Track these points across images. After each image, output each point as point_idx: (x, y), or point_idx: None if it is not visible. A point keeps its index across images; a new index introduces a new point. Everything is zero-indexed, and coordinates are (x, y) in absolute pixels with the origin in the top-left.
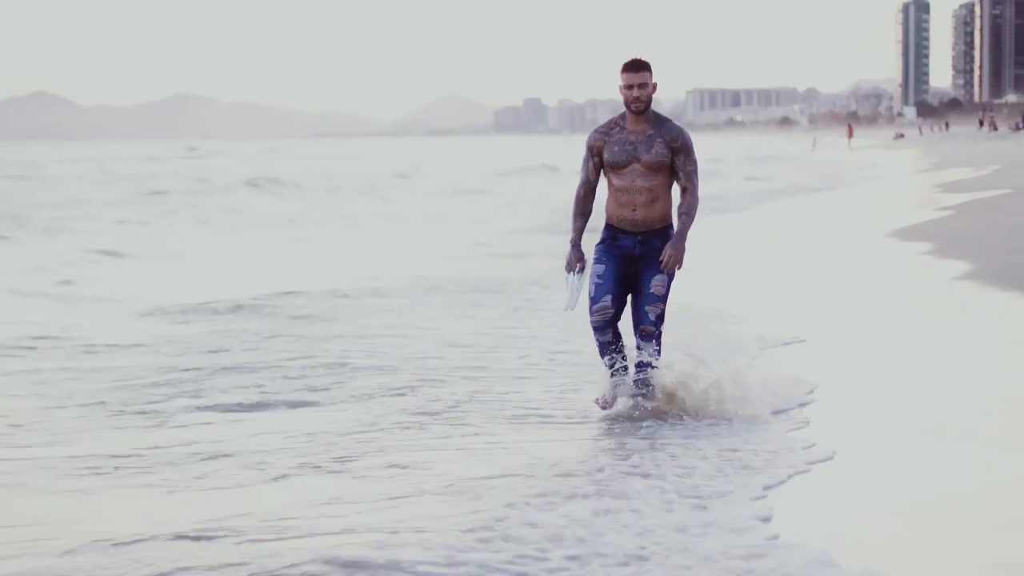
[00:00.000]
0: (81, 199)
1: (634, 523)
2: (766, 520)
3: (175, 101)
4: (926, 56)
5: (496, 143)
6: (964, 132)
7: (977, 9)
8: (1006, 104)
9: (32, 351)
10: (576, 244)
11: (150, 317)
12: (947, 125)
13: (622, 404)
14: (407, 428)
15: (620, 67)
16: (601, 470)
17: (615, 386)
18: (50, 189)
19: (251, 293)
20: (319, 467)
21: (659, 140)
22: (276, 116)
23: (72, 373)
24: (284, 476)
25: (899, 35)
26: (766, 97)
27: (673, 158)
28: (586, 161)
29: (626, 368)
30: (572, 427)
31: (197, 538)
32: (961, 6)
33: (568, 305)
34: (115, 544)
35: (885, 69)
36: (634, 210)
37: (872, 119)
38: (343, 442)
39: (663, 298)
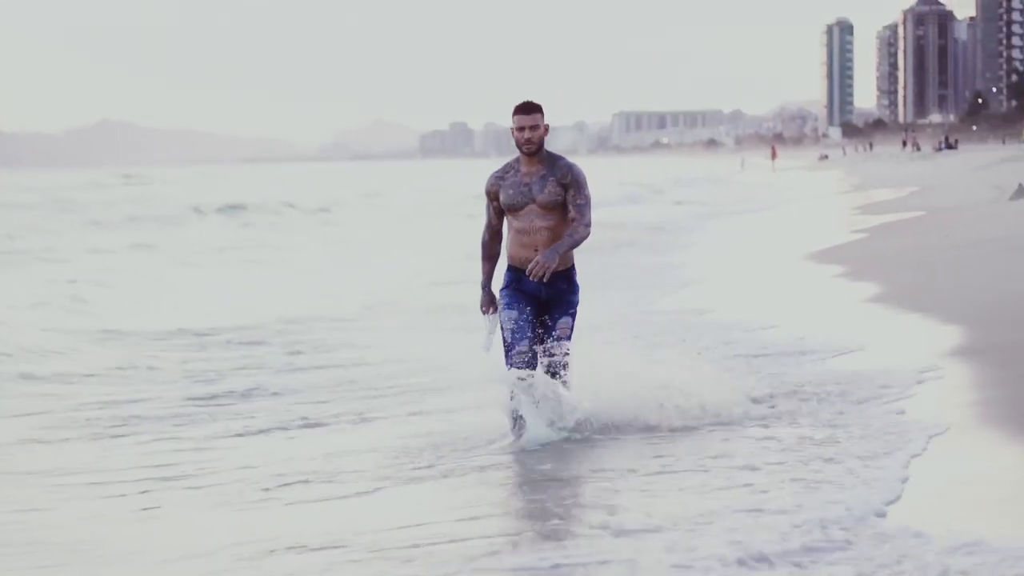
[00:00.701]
0: (39, 228)
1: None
2: None
3: (101, 127)
4: (850, 77)
5: (422, 168)
6: (888, 152)
7: (900, 30)
8: (930, 124)
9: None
10: (486, 287)
11: (160, 342)
12: (871, 146)
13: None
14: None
15: (512, 109)
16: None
17: (517, 415)
18: (6, 218)
19: (265, 318)
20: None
21: (551, 179)
22: (202, 141)
23: (107, 400)
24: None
25: (823, 56)
26: (692, 119)
27: (565, 194)
28: (487, 206)
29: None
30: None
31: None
32: (885, 27)
33: (484, 346)
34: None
35: (810, 90)
36: (535, 250)
37: (798, 140)
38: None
39: (568, 337)
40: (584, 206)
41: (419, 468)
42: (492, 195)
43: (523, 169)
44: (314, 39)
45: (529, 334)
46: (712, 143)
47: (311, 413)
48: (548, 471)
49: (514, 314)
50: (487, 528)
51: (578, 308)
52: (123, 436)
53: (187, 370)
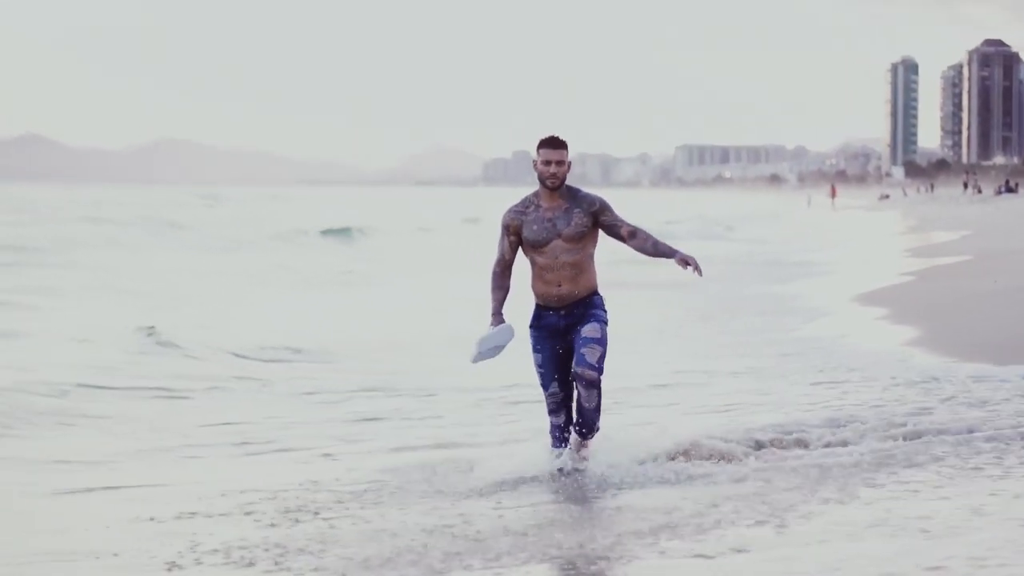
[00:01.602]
0: (143, 245)
1: None
2: None
3: (162, 145)
4: (915, 116)
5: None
6: (948, 194)
7: (965, 71)
8: (993, 166)
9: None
10: (497, 312)
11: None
12: (932, 187)
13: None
14: None
15: (538, 142)
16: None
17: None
18: (112, 234)
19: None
20: None
21: (577, 211)
22: (261, 162)
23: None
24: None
25: (888, 95)
26: (755, 154)
27: (597, 223)
28: (502, 240)
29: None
30: None
31: None
32: (950, 67)
33: (475, 358)
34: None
35: (874, 129)
36: (559, 286)
37: (860, 178)
38: None
39: (599, 341)
40: (626, 220)
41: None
42: (512, 229)
43: (544, 204)
44: (378, 65)
45: (556, 375)
46: (775, 179)
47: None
48: None
49: (539, 358)
50: None
51: (608, 322)
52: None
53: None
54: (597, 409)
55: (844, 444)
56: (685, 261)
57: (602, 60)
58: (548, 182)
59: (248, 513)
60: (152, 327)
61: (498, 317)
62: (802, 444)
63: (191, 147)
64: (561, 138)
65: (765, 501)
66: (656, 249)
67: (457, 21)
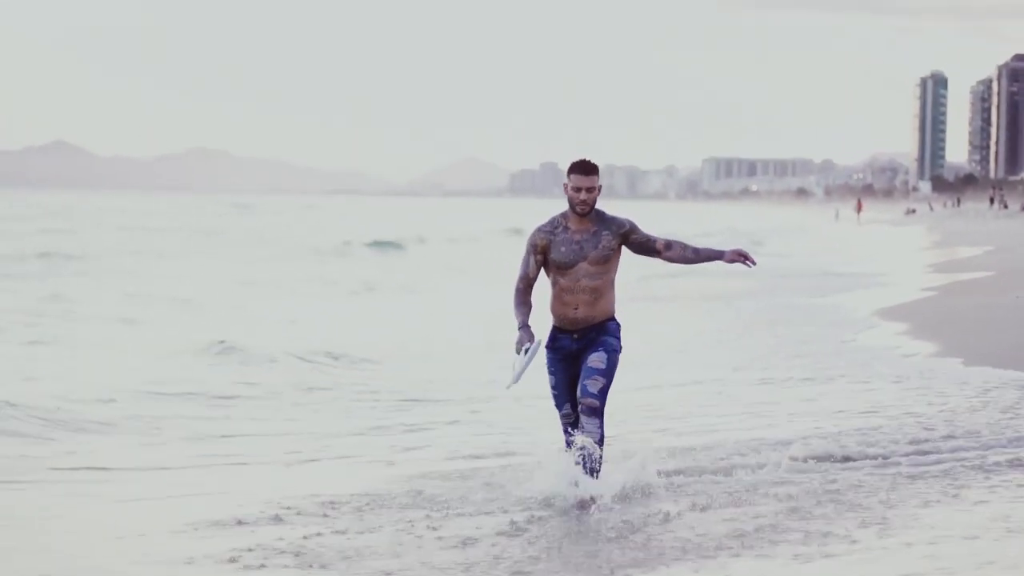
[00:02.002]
0: (193, 254)
1: None
2: None
3: (192, 154)
4: (943, 131)
5: (511, 205)
6: (975, 209)
7: (995, 86)
8: (1021, 181)
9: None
10: (524, 325)
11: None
12: (959, 201)
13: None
14: None
15: (568, 166)
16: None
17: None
18: (160, 243)
19: None
20: None
21: (605, 234)
22: (290, 171)
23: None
24: None
25: (916, 109)
26: (782, 167)
27: (628, 243)
28: (527, 258)
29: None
30: None
31: None
32: (979, 82)
33: (511, 382)
34: None
35: (902, 143)
36: (576, 308)
37: (887, 192)
38: None
39: (604, 372)
40: (655, 235)
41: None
42: (539, 249)
43: (573, 227)
44: (406, 77)
45: (569, 399)
46: (802, 192)
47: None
48: None
49: (553, 380)
50: None
51: (619, 350)
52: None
53: None
54: (600, 441)
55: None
56: (738, 254)
57: (630, 73)
58: (578, 208)
59: (324, 516)
60: (222, 341)
61: (527, 330)
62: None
63: (220, 157)
64: (592, 163)
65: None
66: (699, 255)
67: (484, 33)
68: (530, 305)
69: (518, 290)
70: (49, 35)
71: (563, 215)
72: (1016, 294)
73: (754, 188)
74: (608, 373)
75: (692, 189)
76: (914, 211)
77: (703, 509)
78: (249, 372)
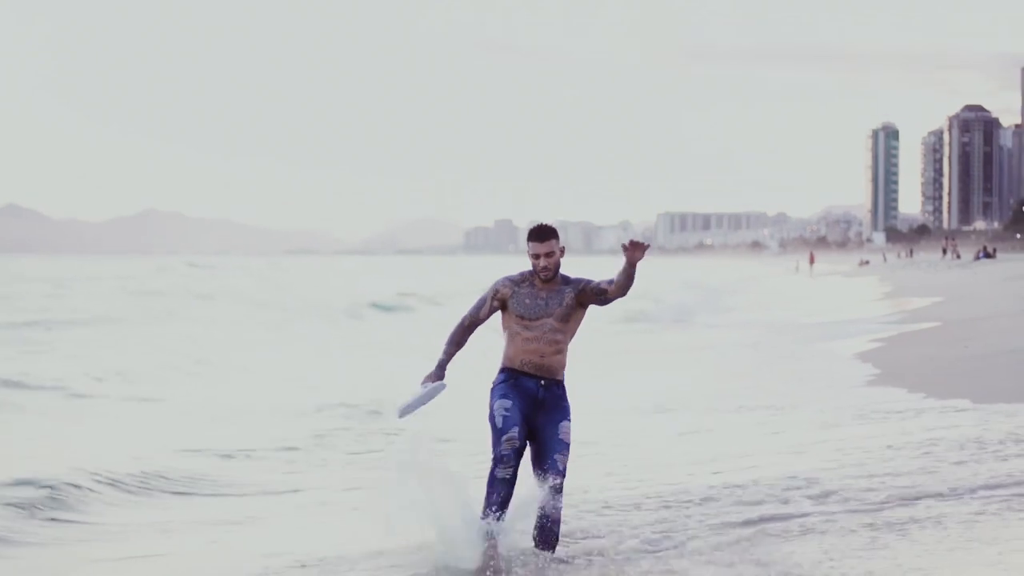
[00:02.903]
0: (202, 316)
1: None
2: None
3: (145, 216)
4: (895, 182)
5: (467, 263)
6: (928, 260)
7: (946, 136)
8: (974, 231)
9: None
10: (443, 364)
11: None
12: (911, 252)
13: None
14: None
15: (527, 234)
16: None
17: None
18: (161, 306)
19: None
20: None
21: (568, 291)
22: (244, 232)
23: None
24: None
25: (868, 161)
26: (736, 221)
27: (585, 297)
28: (484, 300)
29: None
30: None
31: None
32: (930, 133)
33: (402, 412)
34: None
35: (855, 195)
36: (541, 357)
37: (842, 244)
38: None
39: (568, 445)
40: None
41: None
42: (500, 296)
43: (539, 285)
44: (357, 137)
45: (520, 423)
46: (756, 245)
47: None
48: None
49: (508, 403)
50: None
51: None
52: None
53: None
54: (560, 520)
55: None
56: (635, 246)
57: (583, 129)
58: (541, 275)
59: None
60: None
61: (441, 371)
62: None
63: (173, 218)
64: (548, 227)
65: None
66: (625, 275)
67: (436, 89)
68: (461, 345)
69: (461, 325)
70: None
71: (532, 272)
72: (964, 344)
73: (709, 242)
74: (569, 443)
75: (648, 240)
76: (867, 262)
77: None
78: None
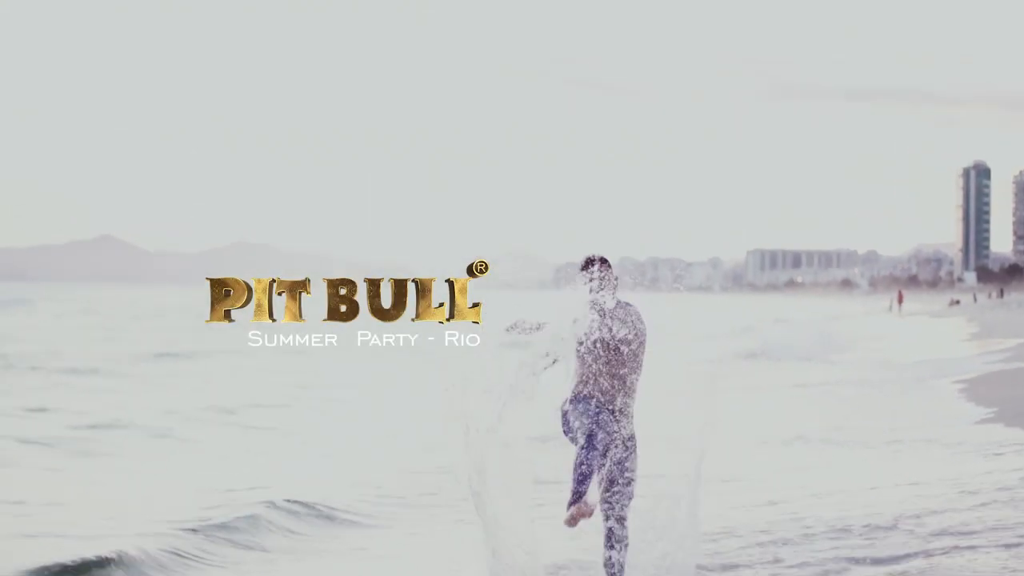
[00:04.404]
0: None
1: None
2: None
3: (236, 248)
4: (987, 221)
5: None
6: (1019, 300)
7: None
8: None
9: None
10: None
11: None
12: (1002, 292)
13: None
14: None
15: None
16: None
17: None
18: None
19: None
20: None
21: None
22: (330, 264)
23: None
24: None
25: (959, 200)
26: (827, 259)
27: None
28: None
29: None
30: None
31: None
32: (1022, 172)
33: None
34: None
35: (946, 233)
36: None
37: (932, 283)
38: None
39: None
40: None
41: None
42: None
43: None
44: (445, 171)
45: (603, 433)
46: (846, 283)
47: None
48: None
49: (592, 411)
50: None
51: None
52: None
53: None
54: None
55: None
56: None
57: (670, 163)
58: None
59: None
60: None
61: None
62: None
63: (264, 249)
64: (595, 257)
65: None
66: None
67: (521, 127)
68: None
69: None
70: (92, 127)
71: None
72: None
73: (799, 279)
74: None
75: (737, 281)
76: (958, 302)
77: None
78: None
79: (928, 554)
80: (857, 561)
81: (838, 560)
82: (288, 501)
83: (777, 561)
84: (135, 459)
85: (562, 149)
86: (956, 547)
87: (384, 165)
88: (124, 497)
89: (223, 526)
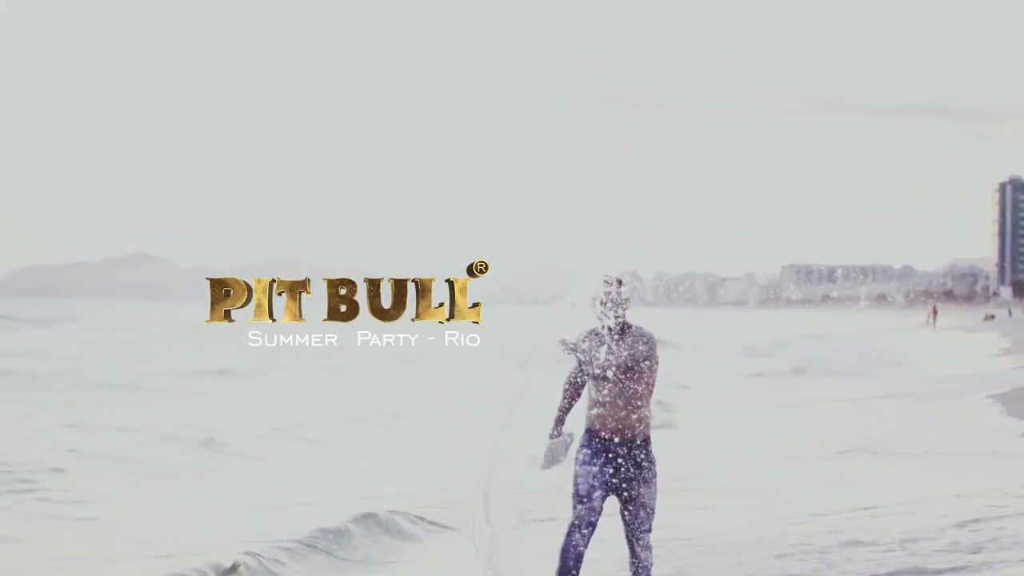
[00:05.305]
0: None
1: None
2: None
3: (270, 265)
4: (1023, 236)
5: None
6: None
7: None
8: None
9: None
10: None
11: None
12: None
13: None
14: None
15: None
16: None
17: None
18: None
19: None
20: None
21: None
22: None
23: None
24: None
25: (995, 214)
26: (862, 273)
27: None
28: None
29: None
30: None
31: None
32: None
33: (545, 465)
34: None
35: (982, 248)
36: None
37: (968, 298)
38: None
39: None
40: None
41: None
42: None
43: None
44: (479, 186)
45: (601, 491)
46: (881, 298)
47: None
48: None
49: (594, 469)
50: None
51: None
52: None
53: None
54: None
55: None
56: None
57: (705, 179)
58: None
59: None
60: None
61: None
62: None
63: (298, 265)
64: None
65: None
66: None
67: (553, 142)
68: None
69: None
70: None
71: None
72: None
73: (835, 294)
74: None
75: (772, 295)
76: (993, 317)
77: None
78: None
79: (974, 567)
80: (901, 573)
81: (886, 571)
82: (390, 512)
83: (818, 573)
84: (222, 477)
85: (593, 164)
86: (1003, 560)
87: (416, 177)
88: (198, 515)
89: (326, 534)
